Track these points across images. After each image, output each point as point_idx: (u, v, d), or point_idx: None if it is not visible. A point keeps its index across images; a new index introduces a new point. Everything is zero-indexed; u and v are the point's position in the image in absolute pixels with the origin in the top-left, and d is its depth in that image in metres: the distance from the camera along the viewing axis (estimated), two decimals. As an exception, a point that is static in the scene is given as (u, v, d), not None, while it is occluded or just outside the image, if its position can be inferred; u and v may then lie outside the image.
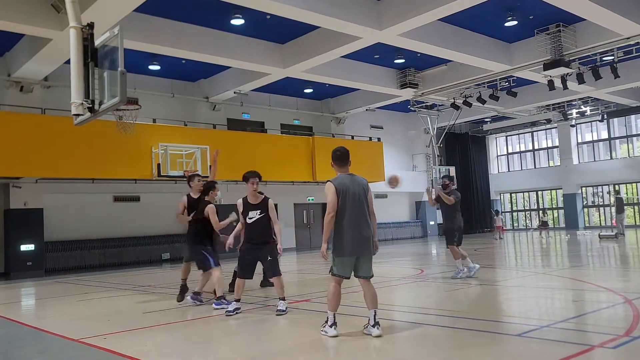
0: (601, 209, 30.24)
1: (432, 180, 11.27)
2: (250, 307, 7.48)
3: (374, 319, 5.33)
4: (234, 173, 16.28)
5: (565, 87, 18.83)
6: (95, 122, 7.31)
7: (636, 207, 29.37)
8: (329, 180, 5.53)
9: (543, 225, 24.96)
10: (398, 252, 18.56)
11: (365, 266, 5.46)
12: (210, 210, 7.63)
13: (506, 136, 34.19)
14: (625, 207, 22.68)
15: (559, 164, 31.10)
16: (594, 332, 5.43)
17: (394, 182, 9.23)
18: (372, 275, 5.53)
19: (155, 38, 14.67)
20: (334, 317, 5.40)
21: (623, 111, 27.32)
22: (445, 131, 26.88)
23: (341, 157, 5.58)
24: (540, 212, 26.36)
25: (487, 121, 30.27)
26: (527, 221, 33.63)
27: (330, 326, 5.38)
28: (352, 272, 5.48)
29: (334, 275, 5.47)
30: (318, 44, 16.12)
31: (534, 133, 32.79)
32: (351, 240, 5.35)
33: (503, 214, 34.06)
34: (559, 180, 30.53)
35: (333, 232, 5.44)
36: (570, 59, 17.22)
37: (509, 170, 34.12)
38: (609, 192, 26.78)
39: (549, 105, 26.18)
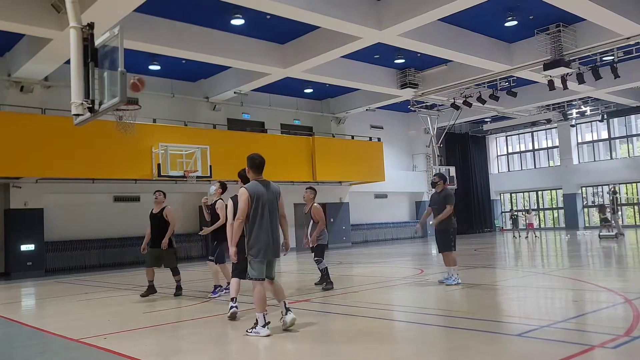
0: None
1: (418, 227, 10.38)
2: (251, 307, 7.48)
3: (285, 307, 5.78)
4: (233, 173, 16.28)
5: (565, 87, 18.83)
6: (95, 122, 7.31)
7: (636, 207, 29.37)
8: (243, 186, 5.83)
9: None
10: (398, 252, 18.57)
11: (272, 268, 5.84)
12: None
13: (506, 136, 34.20)
14: (618, 207, 22.65)
15: (559, 164, 31.10)
16: (594, 332, 5.43)
17: (136, 87, 6.90)
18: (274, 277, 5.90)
19: (155, 38, 14.67)
20: (264, 317, 5.60)
21: (623, 111, 27.33)
22: (445, 131, 26.89)
23: (258, 165, 5.90)
24: (523, 212, 26.34)
25: (487, 121, 30.28)
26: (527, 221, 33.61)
27: (263, 326, 5.58)
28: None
29: (253, 279, 5.72)
30: (318, 44, 16.13)
31: (534, 133, 32.79)
32: (266, 245, 5.65)
33: (503, 214, 34.10)
34: (559, 180, 30.53)
35: (248, 237, 5.71)
36: (570, 59, 17.22)
37: (509, 170, 34.13)
38: (608, 193, 26.75)
39: (549, 105, 26.19)
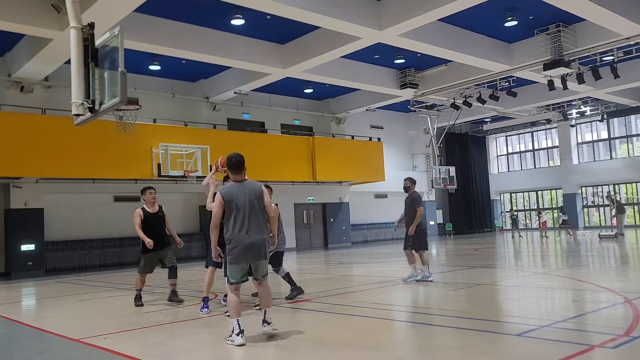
0: (601, 209, 30.24)
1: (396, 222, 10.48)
2: (251, 307, 7.48)
3: (264, 317, 5.48)
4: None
5: (565, 87, 18.83)
6: (96, 122, 7.31)
7: (636, 207, 29.38)
8: (218, 190, 5.61)
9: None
10: (398, 252, 18.55)
11: (258, 270, 5.53)
12: None
13: (506, 136, 34.20)
14: (625, 207, 22.72)
15: (559, 164, 31.10)
16: (594, 332, 5.43)
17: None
18: (265, 276, 5.58)
19: (155, 38, 14.67)
20: (239, 324, 5.28)
21: (623, 111, 27.32)
22: (445, 131, 26.89)
23: (234, 164, 5.55)
24: (538, 212, 26.40)
25: (487, 121, 30.28)
26: (527, 221, 33.65)
27: (237, 335, 5.26)
28: (250, 276, 5.55)
29: (230, 284, 5.46)
30: (318, 44, 16.13)
31: (534, 133, 32.79)
32: (244, 249, 5.37)
33: (502, 214, 34.11)
34: (559, 180, 30.53)
35: (227, 241, 5.44)
36: (570, 59, 17.22)
37: (509, 170, 34.13)
38: (607, 196, 26.80)
39: (549, 105, 26.19)
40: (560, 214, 23.76)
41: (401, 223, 10.26)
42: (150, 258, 8.17)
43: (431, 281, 9.35)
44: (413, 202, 9.67)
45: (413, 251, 9.67)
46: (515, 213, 25.94)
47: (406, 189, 9.96)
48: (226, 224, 5.46)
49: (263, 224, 5.54)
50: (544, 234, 23.71)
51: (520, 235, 24.60)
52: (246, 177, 5.67)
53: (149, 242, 7.87)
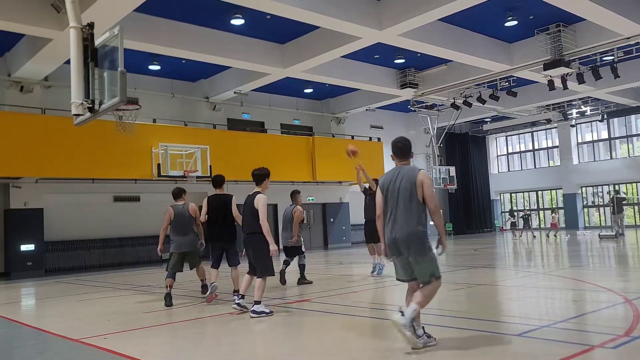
0: (601, 209, 30.23)
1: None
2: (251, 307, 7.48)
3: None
4: (234, 173, 16.31)
5: (565, 87, 18.82)
6: (96, 122, 7.32)
7: (636, 207, 29.37)
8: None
9: (512, 225, 25.01)
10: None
11: (416, 267, 5.06)
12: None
13: (506, 136, 34.19)
14: (624, 207, 22.60)
15: (559, 164, 31.09)
16: (594, 332, 5.43)
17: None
18: (437, 275, 4.99)
19: (155, 38, 14.66)
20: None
21: (623, 111, 27.31)
22: (445, 131, 26.88)
23: (402, 150, 5.28)
24: (552, 212, 26.29)
25: (487, 121, 30.28)
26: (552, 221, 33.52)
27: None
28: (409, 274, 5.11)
29: (400, 280, 5.22)
30: (318, 44, 16.12)
31: (534, 133, 32.79)
32: (387, 240, 5.05)
33: (503, 214, 34.09)
34: (559, 180, 30.53)
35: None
36: (570, 59, 17.21)
37: (509, 170, 34.12)
38: (608, 193, 26.73)
39: (549, 105, 26.18)
40: (509, 216, 23.85)
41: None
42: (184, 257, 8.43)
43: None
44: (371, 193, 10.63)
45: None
46: (528, 213, 25.63)
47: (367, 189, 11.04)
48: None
49: (412, 214, 4.96)
50: (551, 234, 23.53)
51: (534, 236, 23.95)
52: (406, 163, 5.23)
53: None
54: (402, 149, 5.29)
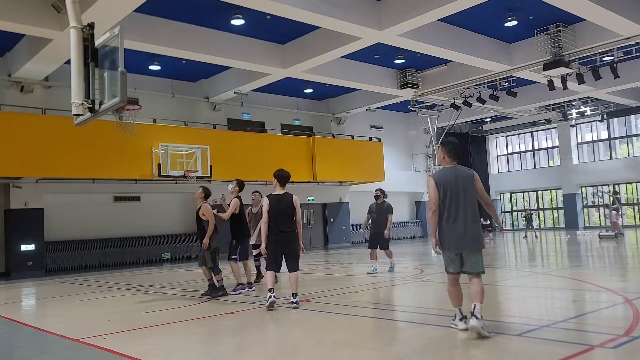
0: (601, 209, 30.22)
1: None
2: (251, 307, 7.49)
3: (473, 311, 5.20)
4: (233, 173, 16.31)
5: (565, 87, 18.83)
6: (96, 122, 7.32)
7: (636, 207, 29.37)
8: (430, 175, 5.64)
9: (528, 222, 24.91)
10: (398, 252, 18.53)
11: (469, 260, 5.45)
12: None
13: (506, 136, 34.20)
14: (619, 206, 22.47)
15: (559, 164, 31.10)
16: (594, 332, 5.43)
17: None
18: (481, 272, 5.49)
19: (155, 38, 14.67)
20: (460, 312, 5.50)
21: (623, 111, 27.33)
22: (445, 131, 26.85)
23: (454, 150, 5.67)
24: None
25: (487, 121, 30.28)
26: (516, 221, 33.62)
27: (461, 320, 5.45)
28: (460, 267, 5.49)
29: (449, 273, 5.56)
30: (318, 44, 16.13)
31: (534, 133, 32.80)
32: (451, 236, 5.33)
33: (503, 214, 34.09)
34: (559, 180, 30.53)
35: (439, 227, 5.43)
36: (570, 59, 17.21)
37: (509, 170, 34.13)
38: (607, 192, 26.68)
39: (549, 105, 26.19)
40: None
41: (368, 225, 11.70)
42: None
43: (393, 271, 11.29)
44: (388, 209, 11.19)
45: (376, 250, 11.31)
46: (530, 212, 25.60)
47: (376, 197, 11.38)
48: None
49: (472, 210, 5.41)
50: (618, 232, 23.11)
51: (535, 236, 23.89)
52: (457, 164, 5.71)
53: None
54: (457, 150, 5.70)
